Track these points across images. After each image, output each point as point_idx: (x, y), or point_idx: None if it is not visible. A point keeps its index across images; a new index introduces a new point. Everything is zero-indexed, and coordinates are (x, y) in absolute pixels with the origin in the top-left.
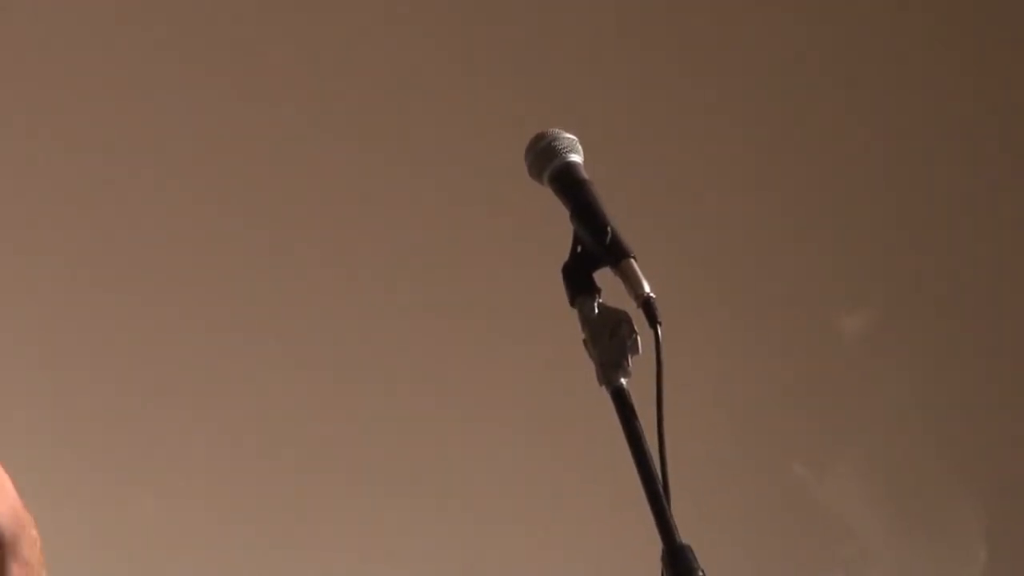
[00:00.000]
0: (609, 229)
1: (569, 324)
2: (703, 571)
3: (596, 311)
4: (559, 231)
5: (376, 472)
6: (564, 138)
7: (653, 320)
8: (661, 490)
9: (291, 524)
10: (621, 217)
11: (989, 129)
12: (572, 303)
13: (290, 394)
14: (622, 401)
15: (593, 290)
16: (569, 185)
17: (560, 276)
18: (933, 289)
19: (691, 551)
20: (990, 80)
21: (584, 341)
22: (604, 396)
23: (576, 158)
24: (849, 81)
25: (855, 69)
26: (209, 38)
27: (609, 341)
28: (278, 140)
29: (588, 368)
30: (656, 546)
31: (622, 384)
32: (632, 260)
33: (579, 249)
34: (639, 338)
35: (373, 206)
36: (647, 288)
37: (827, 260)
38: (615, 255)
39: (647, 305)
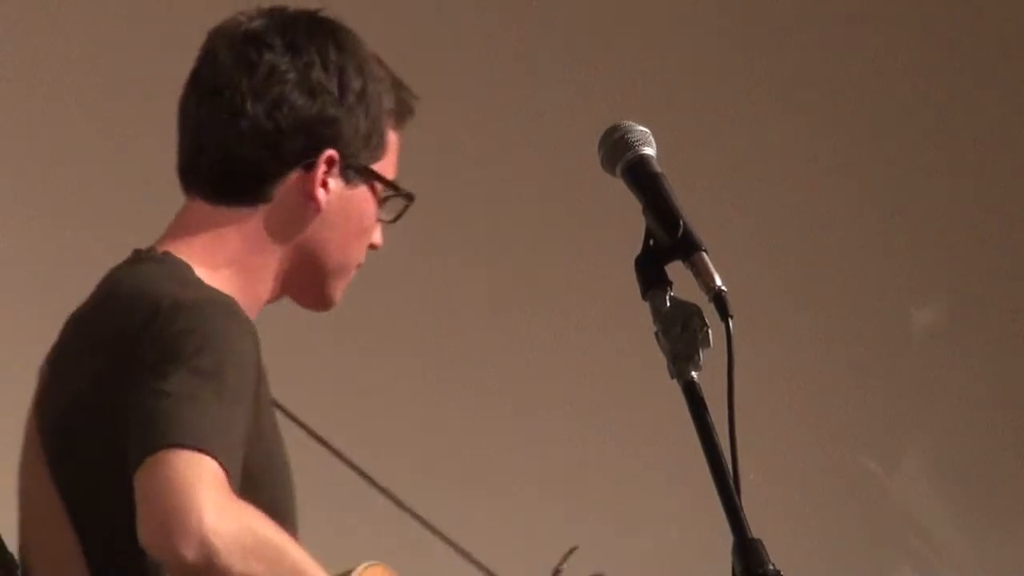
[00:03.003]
0: (681, 222)
1: (642, 316)
2: (773, 565)
3: (668, 304)
4: (632, 224)
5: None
6: (637, 131)
7: (724, 313)
8: (732, 484)
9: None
10: (692, 211)
11: None
12: (644, 296)
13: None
14: (693, 394)
15: (665, 283)
16: (642, 178)
17: (632, 269)
18: (1003, 282)
19: (762, 545)
20: None
21: (656, 334)
22: (676, 389)
23: (649, 151)
24: (925, 73)
25: (931, 61)
26: None
27: (681, 334)
28: None
29: (661, 361)
30: (725, 539)
31: (693, 377)
32: (704, 253)
33: (651, 242)
34: (710, 331)
35: (452, 196)
36: (719, 281)
37: (897, 253)
38: (687, 248)
39: (718, 299)
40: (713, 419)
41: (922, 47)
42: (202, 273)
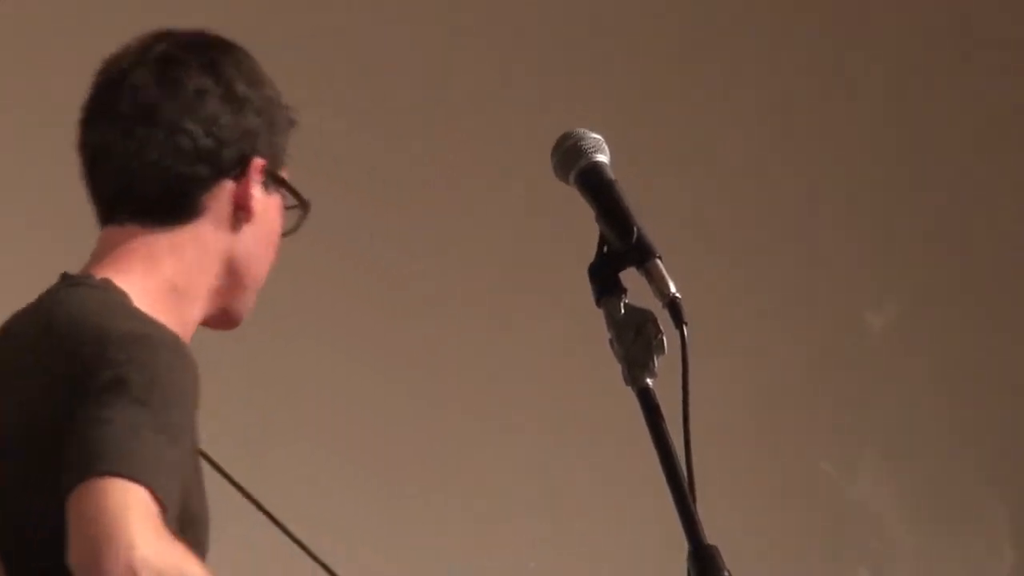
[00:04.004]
0: (635, 229)
1: (595, 324)
2: (729, 572)
3: (622, 311)
4: (585, 231)
5: (399, 471)
6: (590, 138)
7: (679, 320)
8: (687, 489)
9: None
10: (645, 217)
11: (1018, 127)
12: (598, 303)
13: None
14: (648, 401)
15: (619, 290)
16: (595, 185)
17: (586, 276)
18: (959, 285)
19: (717, 551)
20: (1020, 79)
21: (610, 341)
22: (630, 396)
23: (602, 158)
24: (876, 77)
25: (884, 67)
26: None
27: (635, 341)
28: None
29: (614, 368)
30: (682, 546)
31: (648, 384)
32: (658, 260)
33: (605, 249)
34: (665, 338)
35: (392, 205)
36: (673, 288)
37: (852, 257)
38: (641, 255)
39: (673, 305)
40: (668, 425)
41: (876, 57)
42: (141, 303)
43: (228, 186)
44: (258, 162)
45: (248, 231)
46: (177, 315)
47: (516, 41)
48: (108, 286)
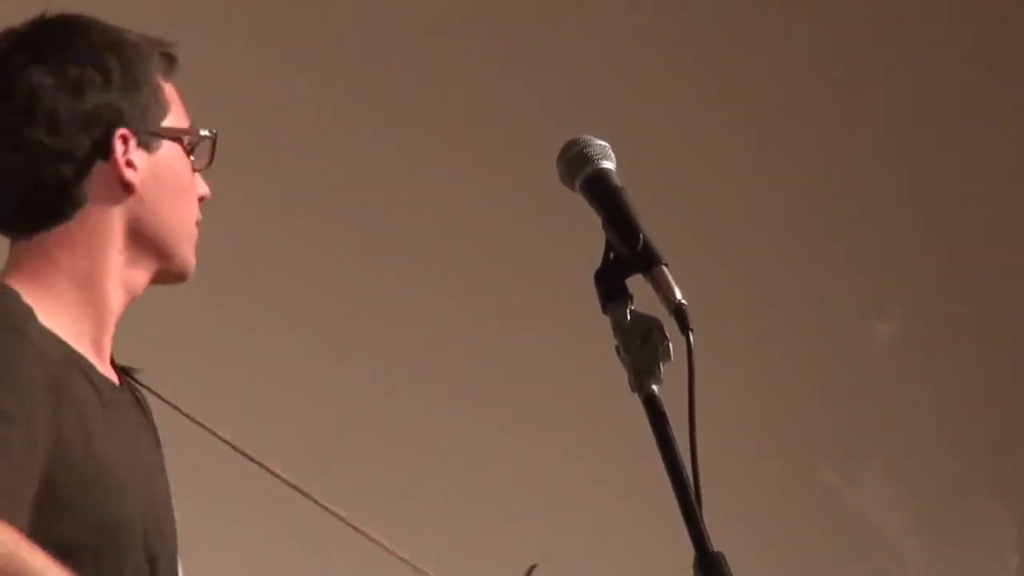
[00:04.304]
0: (641, 236)
1: (602, 331)
2: None
3: (628, 318)
4: (592, 238)
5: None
6: (596, 144)
7: (685, 327)
8: (693, 497)
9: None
10: (651, 224)
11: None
12: (604, 310)
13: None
14: (654, 408)
15: (625, 297)
16: (601, 192)
17: (592, 283)
18: (963, 295)
19: (723, 558)
20: None
21: (616, 348)
22: (636, 402)
23: (608, 165)
24: (885, 86)
25: (892, 75)
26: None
27: (641, 348)
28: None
29: (621, 375)
30: (687, 553)
31: (654, 391)
32: (664, 267)
33: (611, 256)
34: (671, 345)
35: (406, 211)
36: (679, 295)
37: (857, 267)
38: (647, 262)
39: (679, 312)
40: (674, 432)
41: (884, 65)
42: (46, 304)
43: (101, 167)
44: (121, 133)
45: (141, 197)
46: (90, 303)
47: (524, 45)
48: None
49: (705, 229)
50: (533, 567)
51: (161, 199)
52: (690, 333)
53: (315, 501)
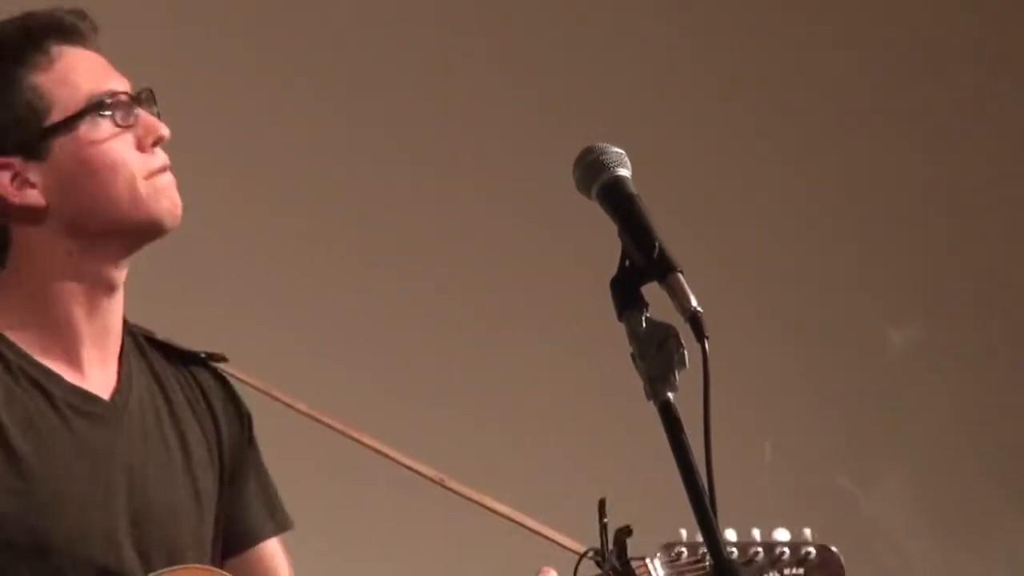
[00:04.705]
0: (657, 244)
1: (617, 338)
2: None
3: (644, 325)
4: (608, 245)
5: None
6: (612, 152)
7: (700, 334)
8: (708, 504)
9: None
10: (667, 232)
11: None
12: (620, 317)
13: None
14: (669, 415)
15: (641, 304)
16: (617, 200)
17: (608, 290)
18: (979, 303)
19: (738, 565)
20: None
21: (632, 355)
22: (651, 409)
23: (624, 172)
24: (897, 99)
25: (908, 82)
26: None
27: (656, 355)
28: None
29: (636, 382)
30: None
31: (669, 398)
32: (679, 275)
33: (627, 263)
34: (686, 352)
35: (422, 218)
36: (694, 303)
37: (874, 274)
38: (663, 270)
39: (694, 320)
40: (689, 439)
41: (899, 73)
42: (8, 326)
43: (2, 204)
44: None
45: (57, 204)
46: (52, 320)
47: (538, 51)
48: None
49: (720, 237)
50: (603, 501)
51: (81, 191)
52: (705, 341)
53: (404, 463)
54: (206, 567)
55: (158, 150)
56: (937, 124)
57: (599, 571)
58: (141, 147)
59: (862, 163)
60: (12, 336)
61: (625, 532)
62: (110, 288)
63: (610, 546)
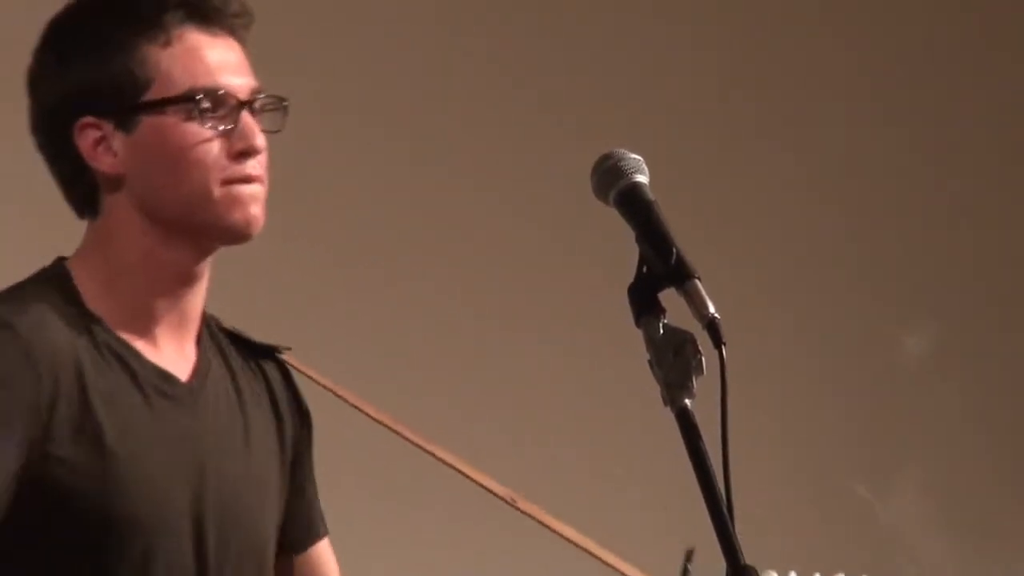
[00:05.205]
0: (674, 250)
1: (635, 344)
2: None
3: (661, 331)
4: (625, 251)
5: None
6: (630, 158)
7: (718, 341)
8: (726, 510)
9: None
10: (684, 238)
11: None
12: (637, 323)
13: None
14: (686, 422)
15: (658, 310)
16: (635, 206)
17: (626, 296)
18: (993, 308)
19: (755, 572)
20: None
21: (649, 361)
22: (669, 416)
23: (642, 179)
24: (912, 105)
25: (927, 87)
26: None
27: (674, 361)
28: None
29: (654, 388)
30: (719, 564)
31: (686, 405)
32: (697, 281)
33: (644, 270)
34: (704, 359)
35: (442, 224)
36: (712, 309)
37: (888, 280)
38: (680, 276)
39: (712, 326)
40: (707, 446)
41: (913, 76)
42: (91, 290)
43: (88, 162)
44: (80, 124)
45: (133, 180)
46: (130, 291)
47: (541, 51)
48: (52, 268)
49: (737, 243)
50: (691, 551)
51: (155, 177)
52: (723, 347)
53: (470, 478)
54: None
55: (249, 160)
56: (952, 129)
57: None
58: (229, 152)
59: (876, 168)
60: (96, 308)
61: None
62: (189, 278)
63: None
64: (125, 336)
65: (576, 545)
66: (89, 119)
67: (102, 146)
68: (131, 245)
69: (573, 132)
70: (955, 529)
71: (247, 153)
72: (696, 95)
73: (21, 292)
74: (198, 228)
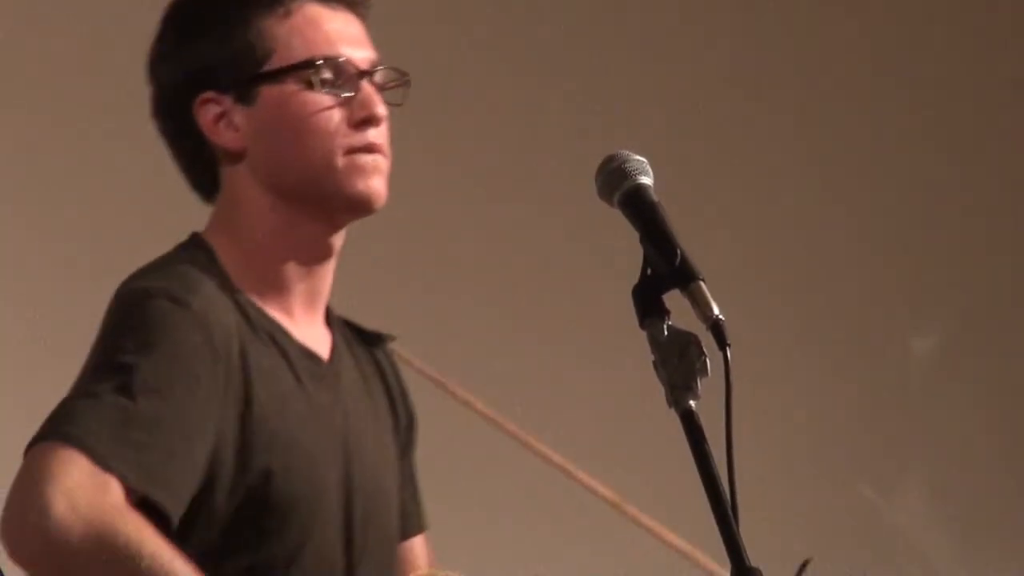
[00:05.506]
0: (679, 252)
1: (639, 345)
2: None
3: (665, 333)
4: (630, 252)
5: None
6: (634, 160)
7: (722, 342)
8: (730, 512)
9: None
10: (688, 240)
11: None
12: (641, 325)
13: None
14: (691, 423)
15: (662, 312)
16: (639, 207)
17: (630, 298)
18: (1000, 311)
19: (760, 574)
20: None
21: (653, 363)
22: (673, 417)
23: (646, 180)
24: (921, 104)
25: (931, 89)
26: None
27: (678, 363)
28: None
29: (658, 389)
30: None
31: (691, 406)
32: (701, 282)
33: (649, 271)
34: (708, 360)
35: (443, 223)
36: (716, 310)
37: (895, 282)
38: (684, 278)
39: (716, 327)
40: (711, 447)
41: (921, 77)
42: (233, 267)
43: (207, 137)
44: (201, 99)
45: (256, 153)
46: (264, 267)
47: (543, 50)
48: (194, 242)
49: (742, 245)
50: (807, 562)
51: (277, 148)
52: (727, 348)
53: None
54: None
55: (370, 129)
56: (962, 130)
57: None
58: (350, 121)
59: (884, 170)
60: (242, 287)
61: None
62: (320, 253)
63: None
64: (271, 313)
65: (682, 553)
66: (209, 94)
67: (223, 121)
68: (259, 223)
69: (576, 134)
70: (961, 530)
71: (368, 121)
72: (703, 95)
73: (176, 267)
74: (322, 199)
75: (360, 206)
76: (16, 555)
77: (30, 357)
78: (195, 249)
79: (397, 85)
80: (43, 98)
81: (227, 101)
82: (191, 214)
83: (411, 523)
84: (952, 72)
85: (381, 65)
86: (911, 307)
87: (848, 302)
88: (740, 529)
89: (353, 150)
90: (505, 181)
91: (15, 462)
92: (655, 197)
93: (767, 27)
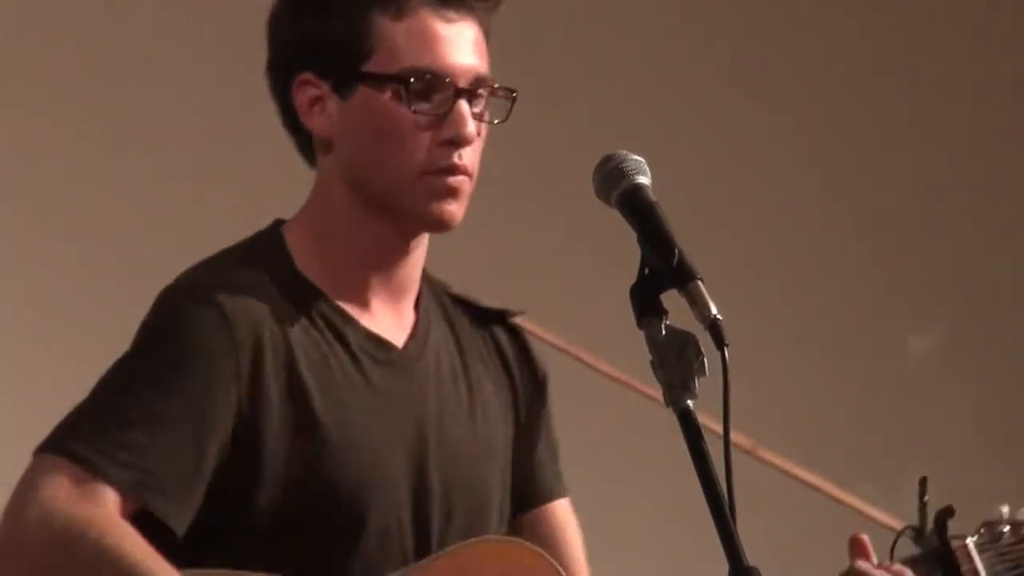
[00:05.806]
0: (676, 251)
1: (636, 345)
2: None
3: (663, 333)
4: (627, 252)
5: None
6: (632, 160)
7: (720, 342)
8: (728, 511)
9: None
10: (686, 239)
11: None
12: (639, 325)
13: None
14: (688, 422)
15: (660, 312)
16: (637, 207)
17: (627, 297)
18: (999, 309)
19: (758, 573)
20: None
21: (651, 363)
22: (671, 417)
23: (644, 180)
24: (923, 104)
25: (929, 88)
26: None
27: (676, 363)
28: None
29: (656, 389)
30: (722, 566)
31: (689, 406)
32: (699, 282)
33: (646, 271)
34: (706, 360)
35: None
36: (714, 310)
37: (894, 282)
38: (682, 277)
39: (714, 327)
40: (708, 447)
41: (919, 76)
42: (304, 250)
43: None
44: (300, 79)
45: (341, 146)
46: (339, 250)
47: (543, 50)
48: (268, 230)
49: (741, 244)
50: (924, 480)
51: (361, 151)
52: (725, 348)
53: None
54: (508, 540)
55: (456, 149)
56: (961, 130)
57: (915, 549)
58: (437, 139)
59: (884, 170)
60: (308, 272)
61: (947, 513)
62: (397, 253)
63: (929, 525)
64: (338, 301)
65: (820, 490)
66: (309, 75)
67: (317, 106)
68: (339, 214)
69: (575, 134)
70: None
71: (455, 142)
72: (702, 94)
73: (231, 258)
74: (394, 213)
75: (430, 227)
76: None
77: (30, 357)
78: (262, 236)
79: (501, 99)
80: (43, 98)
81: (325, 87)
82: (191, 214)
83: (540, 491)
84: (952, 72)
85: (484, 80)
86: (910, 307)
87: (847, 302)
88: (738, 528)
89: (431, 171)
90: (504, 181)
91: (15, 462)
92: (653, 197)
93: (767, 27)
